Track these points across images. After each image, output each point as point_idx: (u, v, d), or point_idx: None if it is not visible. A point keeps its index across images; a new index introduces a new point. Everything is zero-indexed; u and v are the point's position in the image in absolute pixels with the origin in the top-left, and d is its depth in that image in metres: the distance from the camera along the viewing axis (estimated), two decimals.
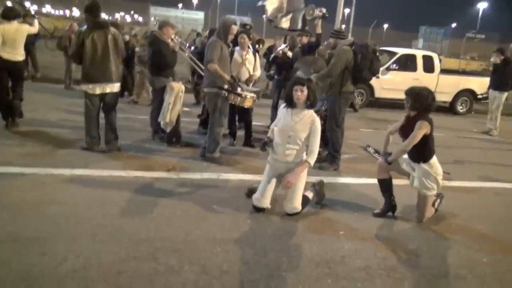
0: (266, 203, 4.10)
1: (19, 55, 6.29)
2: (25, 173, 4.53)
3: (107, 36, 5.33)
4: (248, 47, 6.47)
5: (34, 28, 6.91)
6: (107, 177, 4.69)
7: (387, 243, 3.77)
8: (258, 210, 4.11)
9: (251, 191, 4.34)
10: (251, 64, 6.43)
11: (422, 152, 4.13)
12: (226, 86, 5.22)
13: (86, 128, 5.50)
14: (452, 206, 4.74)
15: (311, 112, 4.11)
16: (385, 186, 4.36)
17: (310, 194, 4.31)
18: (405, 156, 4.28)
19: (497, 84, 9.55)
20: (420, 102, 4.05)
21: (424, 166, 4.14)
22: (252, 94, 5.43)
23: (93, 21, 5.30)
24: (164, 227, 3.63)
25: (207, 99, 5.50)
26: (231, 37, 5.43)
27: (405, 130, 4.15)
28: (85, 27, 5.31)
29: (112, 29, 5.42)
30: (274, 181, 4.18)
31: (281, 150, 4.10)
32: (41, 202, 3.85)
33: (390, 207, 4.35)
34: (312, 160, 4.04)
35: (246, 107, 5.59)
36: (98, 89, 5.37)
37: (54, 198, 3.97)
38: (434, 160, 4.17)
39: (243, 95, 5.28)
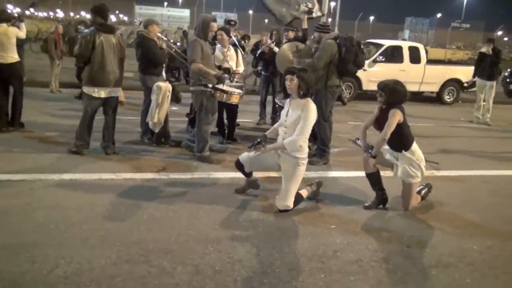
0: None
1: (10, 57, 6.30)
2: (13, 179, 4.47)
3: (114, 40, 5.34)
4: (235, 44, 6.46)
5: (22, 33, 6.84)
6: (97, 180, 4.65)
7: (378, 235, 3.80)
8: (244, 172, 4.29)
9: (239, 191, 4.38)
10: (233, 60, 6.42)
11: (400, 140, 4.21)
12: (210, 85, 5.21)
13: (79, 131, 5.44)
14: (441, 195, 4.79)
15: (305, 101, 4.04)
16: (374, 179, 4.40)
17: (304, 192, 4.29)
18: (387, 147, 4.33)
19: (489, 74, 9.59)
20: (395, 97, 4.12)
21: (406, 154, 4.21)
22: (239, 91, 5.43)
23: (102, 24, 5.28)
24: (156, 229, 3.61)
25: (193, 97, 5.48)
26: (211, 34, 5.44)
27: (380, 122, 4.22)
28: (92, 28, 5.26)
29: (118, 33, 5.45)
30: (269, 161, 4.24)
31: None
32: (30, 208, 3.81)
33: (381, 200, 4.38)
34: (289, 144, 3.97)
35: (233, 103, 5.59)
36: (103, 93, 5.35)
37: (43, 204, 3.93)
38: (415, 147, 4.25)
39: (229, 92, 5.28)
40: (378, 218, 4.18)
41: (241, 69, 6.54)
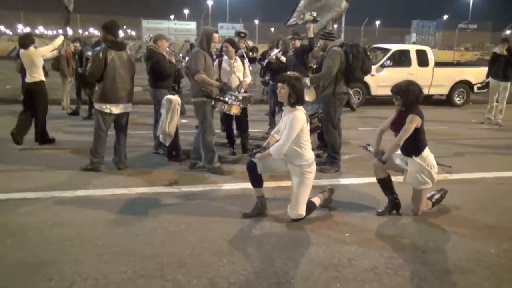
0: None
1: (37, 76, 6.70)
2: (28, 197, 4.54)
3: (125, 57, 5.44)
4: (242, 56, 6.51)
5: (49, 52, 7.20)
6: (110, 195, 4.70)
7: (393, 241, 3.77)
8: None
9: (247, 215, 4.21)
10: (240, 72, 6.45)
11: (413, 146, 4.17)
12: (213, 94, 5.27)
13: (94, 148, 5.49)
14: (455, 198, 4.75)
15: (294, 108, 4.00)
16: (385, 185, 4.38)
17: (317, 200, 4.27)
18: (398, 151, 4.30)
19: (504, 75, 9.46)
20: (411, 98, 4.09)
21: (417, 159, 4.17)
22: (238, 102, 5.51)
23: (113, 41, 5.37)
24: (170, 242, 3.63)
25: (195, 109, 5.51)
26: (213, 45, 5.53)
27: (397, 125, 4.20)
28: (103, 46, 5.34)
29: (127, 50, 5.57)
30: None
31: None
32: (45, 226, 3.86)
33: (394, 205, 4.35)
34: (274, 150, 3.94)
35: (232, 113, 5.66)
36: (115, 109, 5.42)
37: (58, 221, 3.97)
38: (427, 152, 4.21)
39: (229, 102, 5.32)
40: (391, 224, 4.15)
41: (248, 79, 6.58)
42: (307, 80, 5.56)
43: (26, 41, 6.77)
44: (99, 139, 5.48)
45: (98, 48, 5.46)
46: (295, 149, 3.99)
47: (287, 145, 3.91)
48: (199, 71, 5.22)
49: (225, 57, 6.41)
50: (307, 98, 5.58)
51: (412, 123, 4.03)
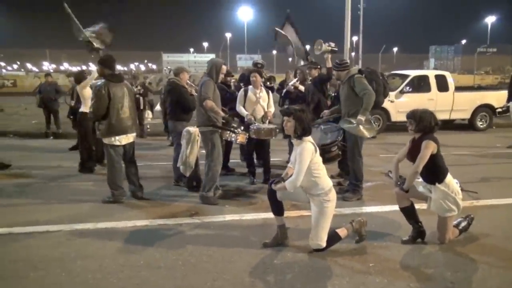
0: None
1: (85, 108, 7.22)
2: (51, 230, 4.58)
3: (125, 88, 5.56)
4: (260, 85, 6.58)
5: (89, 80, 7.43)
6: (131, 227, 4.71)
7: (419, 272, 3.65)
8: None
9: (267, 245, 4.17)
10: (265, 102, 6.51)
11: (434, 172, 4.10)
12: (219, 124, 5.35)
13: (112, 180, 5.54)
14: (484, 226, 4.59)
15: (301, 141, 3.98)
16: (408, 213, 4.29)
17: (343, 231, 4.11)
18: (420, 179, 4.23)
19: None
20: (424, 124, 4.08)
21: (440, 186, 4.08)
22: (243, 131, 5.57)
23: (112, 74, 5.50)
24: (191, 274, 3.59)
25: (203, 138, 5.55)
26: (221, 76, 5.64)
27: (413, 153, 4.14)
28: (103, 81, 5.46)
29: (125, 81, 5.72)
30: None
31: None
32: (68, 259, 3.88)
33: (418, 233, 4.24)
34: (288, 184, 3.91)
35: (238, 143, 5.68)
36: (123, 140, 5.52)
37: (80, 254, 3.99)
38: (449, 178, 4.12)
39: (236, 131, 5.35)
40: (417, 254, 4.02)
41: (272, 109, 6.63)
42: (361, 118, 5.41)
43: (80, 77, 7.47)
44: (114, 170, 5.55)
45: (98, 84, 5.52)
46: (309, 179, 3.96)
47: (300, 179, 3.89)
48: (210, 97, 5.29)
49: (250, 87, 6.50)
50: (368, 135, 5.52)
51: (428, 148, 3.99)
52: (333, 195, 4.06)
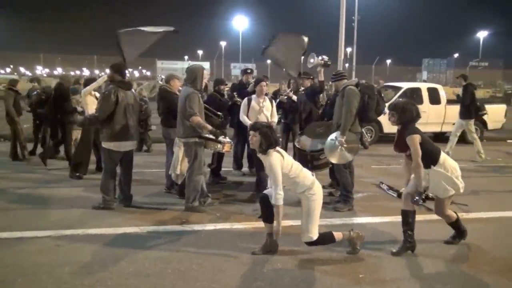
0: None
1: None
2: (40, 236, 4.54)
3: (132, 96, 5.60)
4: (266, 94, 6.62)
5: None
6: (121, 234, 4.67)
7: (409, 283, 3.66)
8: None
9: (255, 253, 4.17)
10: (268, 111, 6.53)
11: (427, 158, 4.18)
12: (206, 135, 5.31)
13: (105, 186, 5.52)
14: (474, 238, 4.61)
15: (268, 156, 4.02)
16: (407, 218, 4.30)
17: (338, 235, 4.13)
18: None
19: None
20: (407, 115, 4.22)
21: (436, 168, 4.19)
22: (229, 140, 5.56)
23: (121, 81, 5.52)
24: (180, 283, 3.57)
25: (185, 149, 5.51)
26: (204, 81, 5.69)
27: (399, 145, 4.32)
28: (111, 86, 5.46)
29: (132, 89, 5.78)
30: None
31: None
32: (56, 265, 3.83)
33: (409, 245, 4.25)
34: (274, 200, 3.95)
35: (224, 152, 5.67)
36: (125, 147, 5.50)
37: (69, 260, 3.95)
38: (443, 157, 4.24)
39: (222, 142, 5.35)
40: (407, 265, 4.03)
41: (275, 119, 6.67)
42: (341, 139, 5.41)
43: (90, 82, 7.26)
44: (109, 176, 5.53)
45: (109, 87, 5.52)
46: (289, 182, 4.05)
47: (280, 189, 3.93)
48: (196, 113, 5.22)
49: (254, 96, 6.51)
50: (347, 158, 5.53)
51: (414, 143, 4.11)
52: (317, 187, 4.09)
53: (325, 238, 4.10)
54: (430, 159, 4.20)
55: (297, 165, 4.12)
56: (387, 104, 7.77)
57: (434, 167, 4.20)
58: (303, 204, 4.08)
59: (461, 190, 4.29)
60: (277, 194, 3.92)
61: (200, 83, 5.45)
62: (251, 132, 4.08)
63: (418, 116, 4.27)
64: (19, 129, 8.74)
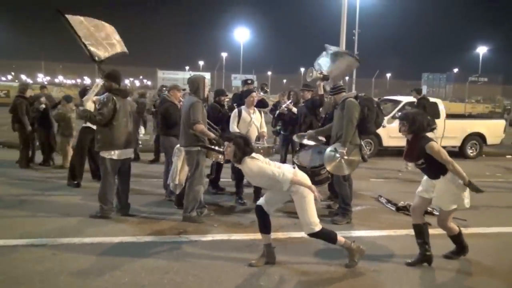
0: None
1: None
2: (35, 244, 4.51)
3: (129, 104, 5.63)
4: (254, 106, 6.61)
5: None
6: (118, 243, 4.64)
7: None
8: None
9: (253, 265, 4.15)
10: (258, 122, 6.53)
11: (437, 168, 4.16)
12: (207, 144, 5.34)
13: (103, 195, 5.49)
14: (472, 253, 4.58)
15: (243, 165, 4.05)
16: (420, 231, 4.29)
17: (340, 239, 4.11)
18: (422, 188, 4.35)
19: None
20: (417, 125, 4.18)
21: (445, 180, 4.16)
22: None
23: (119, 89, 5.53)
24: None
25: (187, 157, 5.51)
26: (207, 90, 5.70)
27: (409, 154, 4.29)
28: (108, 94, 5.44)
29: (128, 98, 5.79)
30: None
31: None
32: (51, 274, 3.81)
33: (425, 258, 4.24)
34: (285, 179, 3.91)
35: (222, 162, 5.64)
36: (122, 155, 5.50)
37: (65, 269, 3.92)
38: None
39: (223, 152, 5.36)
40: (405, 280, 3.99)
41: (265, 129, 6.66)
42: (343, 151, 5.41)
43: (85, 91, 7.19)
44: (108, 185, 5.50)
45: (104, 95, 5.49)
46: (274, 182, 3.99)
47: (281, 175, 3.90)
48: (200, 121, 5.25)
49: (243, 107, 6.50)
50: (349, 170, 5.56)
51: (435, 148, 4.08)
52: (301, 175, 4.06)
53: (328, 235, 4.08)
54: (440, 169, 4.17)
55: (274, 163, 4.12)
56: (385, 119, 7.86)
57: (442, 177, 4.17)
58: (294, 199, 4.05)
59: (467, 206, 4.24)
60: (284, 177, 3.88)
61: (202, 92, 5.48)
62: (226, 143, 4.13)
63: (429, 125, 4.23)
64: (31, 138, 8.77)
